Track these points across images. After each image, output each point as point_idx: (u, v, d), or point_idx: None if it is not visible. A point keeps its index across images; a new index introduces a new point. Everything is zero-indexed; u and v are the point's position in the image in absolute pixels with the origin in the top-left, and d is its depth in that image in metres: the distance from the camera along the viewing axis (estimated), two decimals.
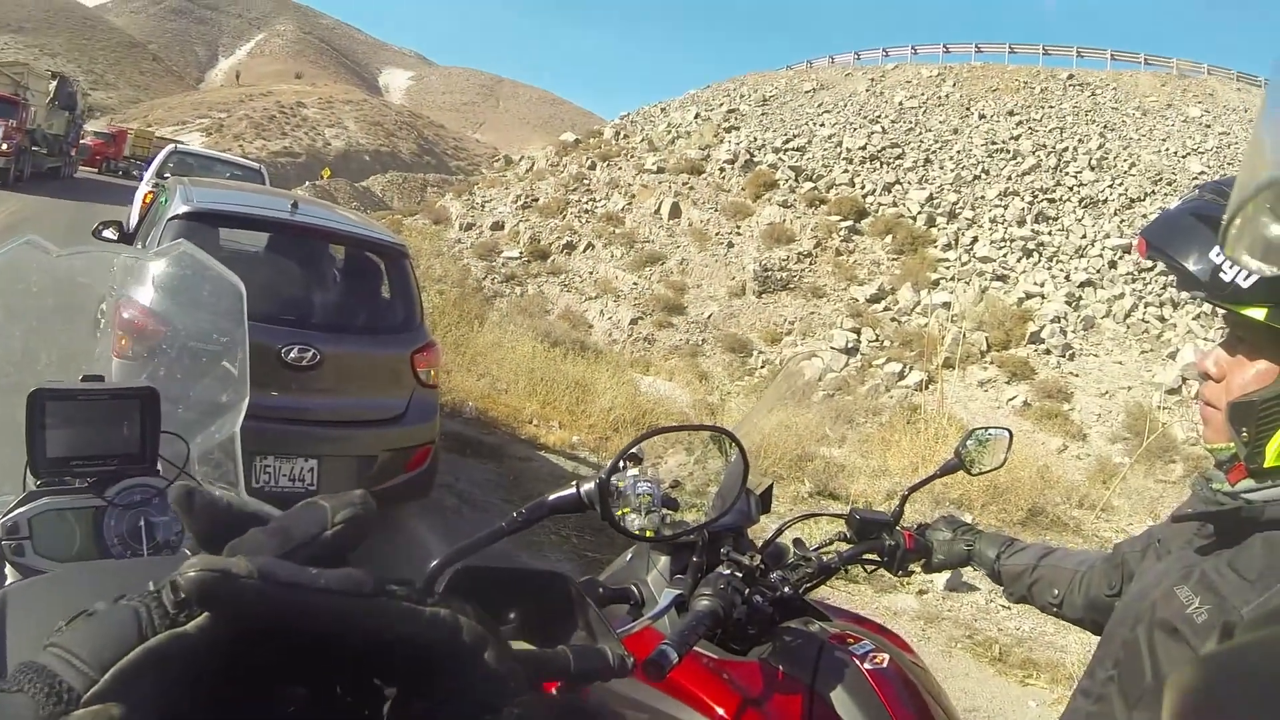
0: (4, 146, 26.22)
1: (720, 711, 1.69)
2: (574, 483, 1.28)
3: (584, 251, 22.75)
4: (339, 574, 0.68)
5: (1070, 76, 36.81)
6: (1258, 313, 1.31)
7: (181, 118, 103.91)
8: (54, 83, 36.83)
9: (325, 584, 0.66)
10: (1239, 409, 1.39)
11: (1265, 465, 1.37)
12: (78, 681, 0.60)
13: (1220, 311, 1.44)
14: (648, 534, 1.60)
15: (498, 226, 24.77)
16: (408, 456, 5.60)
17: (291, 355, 5.13)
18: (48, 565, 1.51)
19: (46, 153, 34.01)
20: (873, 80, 37.85)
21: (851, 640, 1.81)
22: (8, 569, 1.52)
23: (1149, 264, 21.59)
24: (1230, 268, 1.31)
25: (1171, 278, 1.49)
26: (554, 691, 1.20)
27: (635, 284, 20.81)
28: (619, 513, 1.50)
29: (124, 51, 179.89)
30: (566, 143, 31.72)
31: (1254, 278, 1.26)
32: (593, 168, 27.67)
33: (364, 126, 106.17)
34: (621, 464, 1.36)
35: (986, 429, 2.47)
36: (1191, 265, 1.40)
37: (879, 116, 31.97)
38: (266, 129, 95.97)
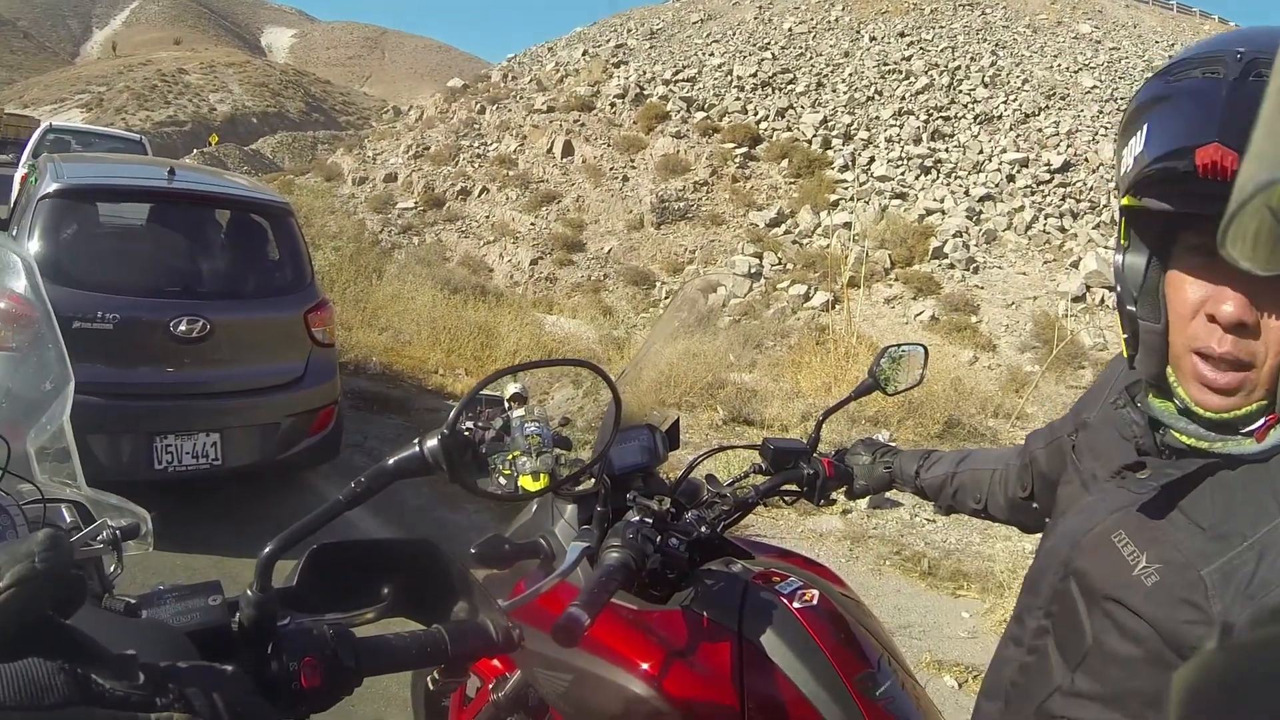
0: None
1: (644, 666, 1.62)
2: (415, 441, 1.09)
3: (479, 196, 22.67)
4: (20, 671, 0.59)
5: None
6: None
7: (59, 95, 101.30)
8: None
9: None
10: None
11: None
12: None
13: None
14: (526, 485, 1.69)
15: (390, 178, 24.74)
16: (311, 419, 5.52)
17: (181, 328, 5.00)
18: None
19: None
20: (761, 8, 38.06)
21: (777, 578, 1.76)
22: None
23: (1049, 178, 22.21)
24: None
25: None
26: (438, 674, 1.22)
27: (533, 225, 20.78)
28: (510, 455, 1.64)
29: None
30: (455, 89, 31.57)
31: None
32: (482, 112, 27.63)
33: (249, 89, 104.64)
34: (463, 416, 1.16)
35: (900, 346, 2.37)
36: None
37: (769, 43, 32.15)
38: (149, 99, 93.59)
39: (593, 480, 1.83)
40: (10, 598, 0.65)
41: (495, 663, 2.05)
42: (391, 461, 1.09)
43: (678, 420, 2.11)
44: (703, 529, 1.87)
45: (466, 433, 1.25)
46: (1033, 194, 21.45)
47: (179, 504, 4.46)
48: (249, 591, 0.92)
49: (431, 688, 2.21)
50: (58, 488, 1.71)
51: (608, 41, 35.34)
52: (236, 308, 5.53)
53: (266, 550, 0.96)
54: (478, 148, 25.07)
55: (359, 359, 9.89)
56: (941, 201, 21.05)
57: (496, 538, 1.62)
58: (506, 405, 1.52)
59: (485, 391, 1.33)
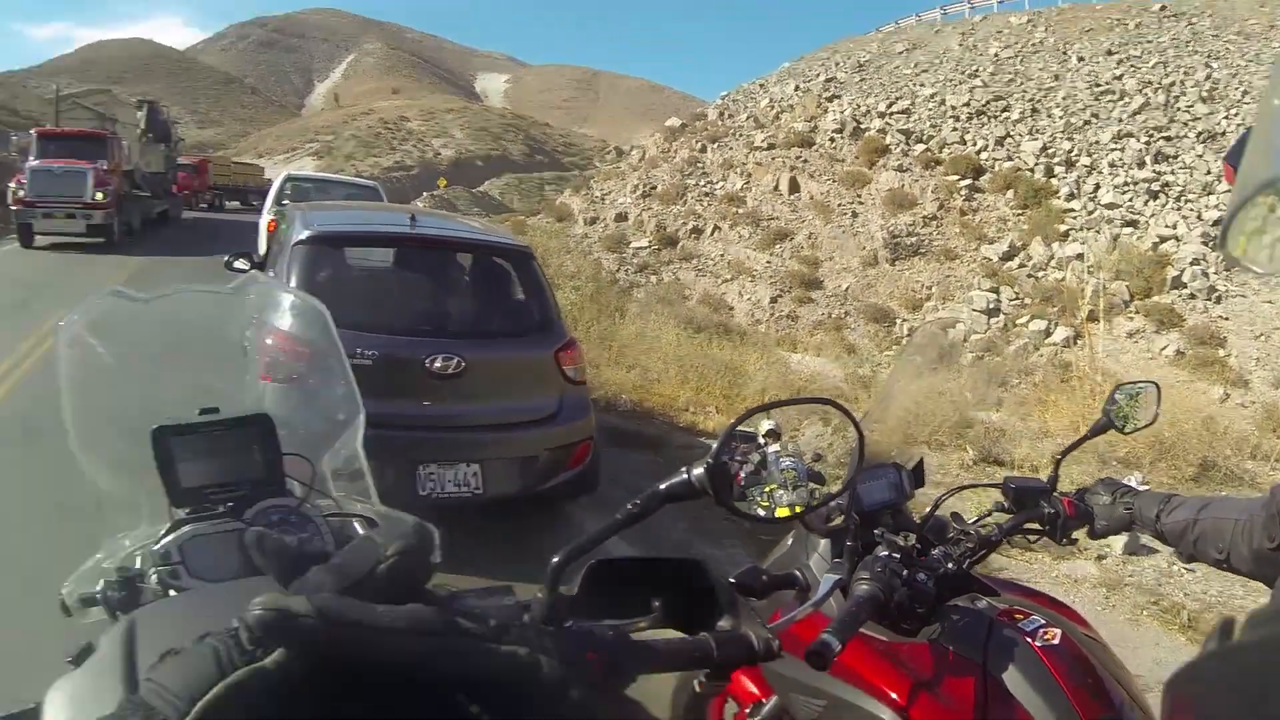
0: (99, 196, 21.08)
1: (893, 695, 1.73)
2: (683, 468, 1.21)
3: (711, 234, 22.74)
4: (405, 611, 0.73)
5: (1163, 8, 35.71)
6: None
7: (290, 145, 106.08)
8: (143, 112, 32.62)
9: (389, 622, 0.71)
10: None
11: None
12: (171, 713, 0.69)
13: None
14: (780, 512, 1.62)
15: (621, 218, 24.95)
16: (568, 454, 5.64)
17: (436, 364, 5.23)
18: (202, 587, 1.61)
19: (150, 195, 29.52)
20: (964, 34, 37.37)
21: (1020, 616, 1.82)
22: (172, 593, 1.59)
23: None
24: None
25: None
26: (703, 678, 1.30)
27: (768, 262, 20.68)
28: (767, 488, 1.57)
29: (223, 88, 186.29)
30: (674, 128, 31.62)
31: None
32: (704, 150, 27.68)
33: (471, 133, 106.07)
34: (725, 448, 1.28)
35: (1133, 384, 2.41)
36: None
37: (977, 70, 31.54)
38: (375, 146, 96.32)
39: (842, 516, 1.94)
40: (396, 563, 0.85)
41: (753, 688, 2.17)
42: (663, 486, 1.20)
43: (922, 459, 2.23)
44: (949, 565, 1.97)
45: (727, 465, 1.33)
46: (1273, 210, 20.24)
47: (442, 528, 4.85)
48: (538, 595, 0.99)
49: (697, 689, 2.27)
50: (350, 504, 1.98)
51: (817, 75, 34.81)
52: (488, 346, 5.72)
53: (556, 560, 1.05)
54: (704, 186, 25.25)
55: (609, 396, 9.95)
56: (1174, 228, 20.28)
57: (754, 569, 1.66)
58: (762, 441, 1.76)
59: (740, 428, 1.45)
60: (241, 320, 2.22)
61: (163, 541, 1.64)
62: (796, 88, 32.15)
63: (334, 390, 2.06)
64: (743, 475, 1.61)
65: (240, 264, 7.31)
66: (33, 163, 21.41)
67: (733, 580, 1.48)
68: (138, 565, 1.63)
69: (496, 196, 57.90)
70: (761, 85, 37.33)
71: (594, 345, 11.93)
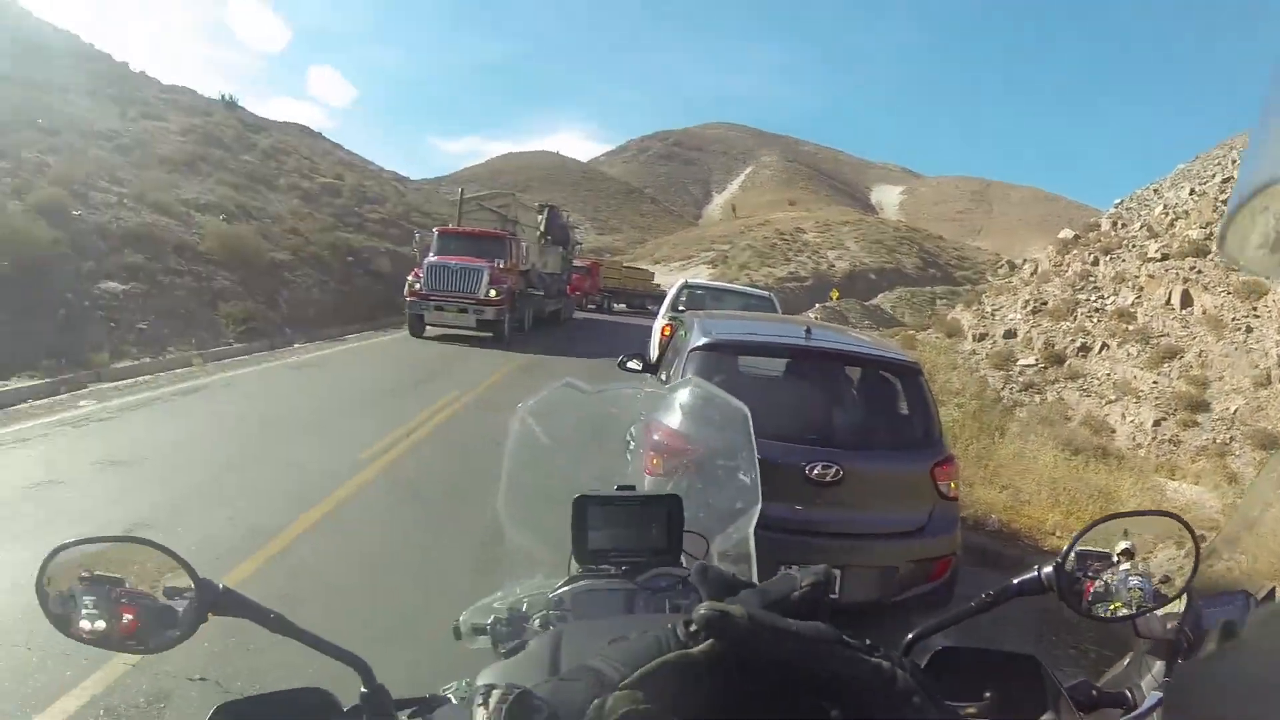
0: (492, 294, 22.41)
1: None
2: (1036, 566, 1.32)
3: (1099, 352, 22.16)
4: (808, 625, 0.87)
5: None
6: None
7: (686, 253, 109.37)
8: (543, 215, 33.82)
9: (796, 630, 0.85)
10: None
11: None
12: (615, 676, 0.86)
13: None
14: (1115, 608, 1.51)
15: (1010, 334, 24.73)
16: (929, 568, 5.63)
17: (815, 472, 5.34)
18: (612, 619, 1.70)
19: (544, 295, 31.06)
20: None
21: None
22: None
23: None
24: None
25: None
26: None
27: (1154, 382, 20.00)
28: (1112, 606, 1.48)
29: (622, 198, 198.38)
30: (1066, 240, 30.83)
31: None
32: (1096, 263, 26.90)
33: (865, 245, 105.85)
34: (1074, 548, 1.42)
35: None
36: None
37: None
38: (770, 256, 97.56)
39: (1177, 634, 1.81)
40: (806, 592, 1.00)
41: None
42: (1015, 581, 1.33)
43: (1274, 590, 2.09)
44: None
45: (1074, 572, 1.46)
46: None
47: None
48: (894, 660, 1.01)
49: None
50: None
51: (1213, 177, 31.76)
52: (868, 458, 5.72)
53: (910, 635, 1.22)
54: (1095, 301, 24.53)
55: (978, 515, 9.93)
56: None
57: (1086, 683, 1.63)
58: (1115, 559, 1.73)
59: (1095, 547, 1.50)
60: (630, 417, 2.42)
61: (559, 590, 1.79)
62: (1191, 191, 30.30)
63: (738, 480, 2.18)
64: (1091, 591, 1.51)
65: (633, 364, 7.74)
66: (431, 258, 22.85)
67: (1062, 690, 1.45)
68: (524, 609, 1.78)
69: (888, 309, 57.35)
70: (1156, 190, 35.33)
71: (970, 463, 11.90)
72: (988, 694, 1.23)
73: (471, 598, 1.98)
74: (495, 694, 0.84)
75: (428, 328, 22.73)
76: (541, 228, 32.82)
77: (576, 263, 45.34)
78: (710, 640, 0.86)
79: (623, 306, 58.84)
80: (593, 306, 51.73)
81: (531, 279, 28.51)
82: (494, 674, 1.24)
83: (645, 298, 61.56)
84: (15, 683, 4.42)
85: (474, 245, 23.87)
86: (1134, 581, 1.53)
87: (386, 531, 7.51)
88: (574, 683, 0.88)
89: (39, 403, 11.49)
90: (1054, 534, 9.97)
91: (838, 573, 4.48)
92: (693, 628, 0.89)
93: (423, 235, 25.57)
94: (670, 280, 45.28)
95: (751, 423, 2.24)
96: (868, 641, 0.94)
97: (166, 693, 4.44)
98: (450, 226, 26.42)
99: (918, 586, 5.57)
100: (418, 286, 22.21)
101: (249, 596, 1.24)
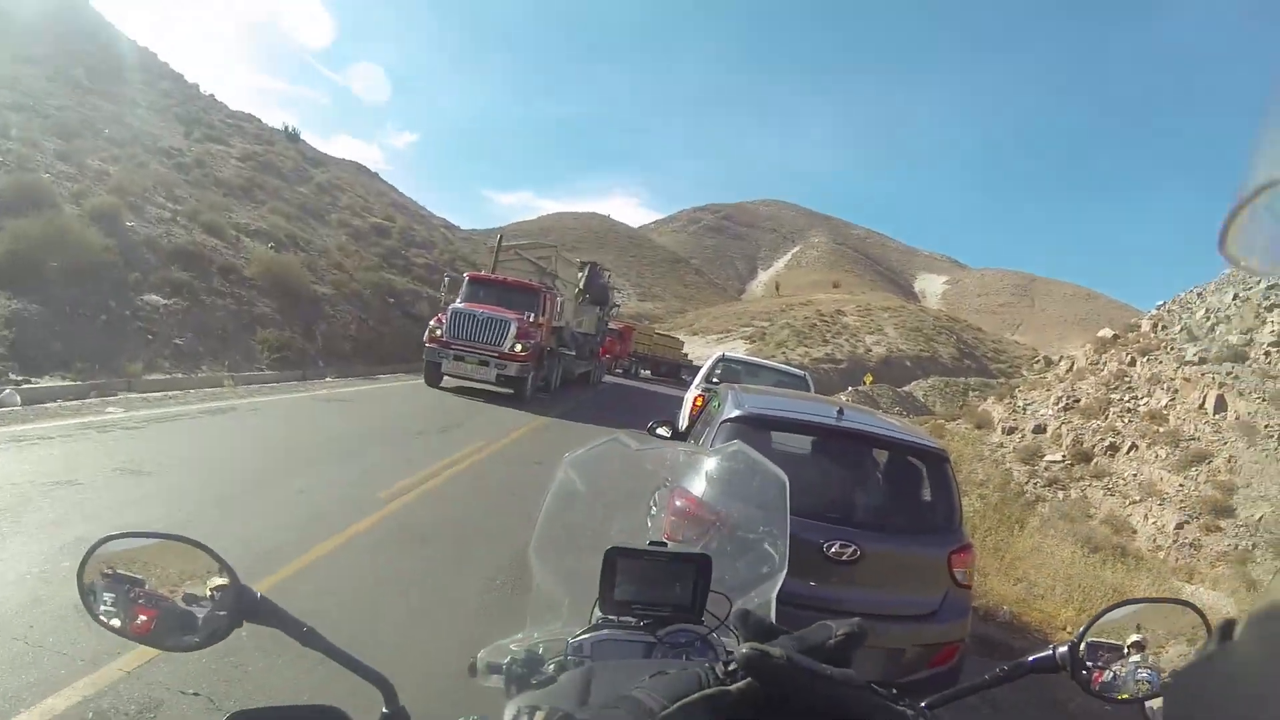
0: (517, 348, 21.09)
1: None
2: (1051, 646, 1.38)
3: (1127, 453, 21.93)
4: (840, 670, 0.89)
5: None
6: None
7: (725, 326, 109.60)
8: (584, 272, 32.76)
9: (829, 674, 0.87)
10: None
11: None
12: (654, 705, 0.88)
13: None
14: (1121, 696, 1.55)
15: (1039, 429, 24.61)
16: (934, 652, 5.62)
17: (833, 550, 5.36)
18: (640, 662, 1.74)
19: (575, 355, 29.82)
20: None
21: None
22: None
23: None
24: None
25: None
26: None
27: (1180, 485, 19.75)
28: (1119, 696, 1.51)
29: (668, 267, 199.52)
30: (1105, 339, 30.72)
31: None
32: (1132, 363, 26.72)
33: (903, 332, 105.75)
34: (1087, 634, 1.47)
35: None
36: None
37: None
38: (808, 336, 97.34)
39: None
40: (841, 641, 1.02)
41: None
42: (1030, 659, 1.40)
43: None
44: None
45: (1084, 659, 1.52)
46: None
47: None
48: None
49: None
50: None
51: (1258, 283, 32.32)
52: (886, 540, 5.73)
53: (925, 702, 1.23)
54: (1128, 401, 24.35)
55: (990, 606, 9.93)
56: None
57: None
58: (1126, 650, 1.70)
59: (1107, 639, 1.56)
60: (655, 480, 2.43)
61: (580, 637, 1.82)
62: (1235, 296, 29.88)
63: (766, 547, 2.21)
64: (1100, 681, 1.56)
65: (662, 431, 7.72)
66: (457, 304, 21.57)
67: None
68: (541, 652, 1.81)
69: (919, 397, 57.08)
70: (1199, 294, 35.28)
71: (987, 554, 11.88)
72: None
73: (475, 638, 2.02)
74: (539, 714, 0.91)
75: (445, 378, 21.71)
76: (581, 285, 32.02)
77: (612, 326, 44.30)
78: (748, 679, 0.89)
79: (647, 373, 58.61)
80: (620, 371, 51.65)
81: (564, 337, 27.64)
82: (529, 699, 1.27)
83: (675, 366, 61.15)
84: (9, 676, 4.48)
85: (505, 295, 22.80)
86: (1143, 674, 1.57)
87: (397, 567, 7.53)
88: (614, 710, 0.91)
89: (68, 404, 11.71)
90: (1065, 629, 9.91)
91: (869, 629, 4.37)
92: (731, 666, 0.92)
93: (452, 279, 24.34)
94: (706, 352, 44.91)
95: (789, 492, 2.27)
96: (894, 691, 0.97)
97: (157, 702, 4.47)
98: (482, 273, 25.41)
99: (921, 670, 5.56)
100: (439, 333, 21.09)
101: (284, 608, 1.30)
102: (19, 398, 11.11)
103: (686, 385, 20.68)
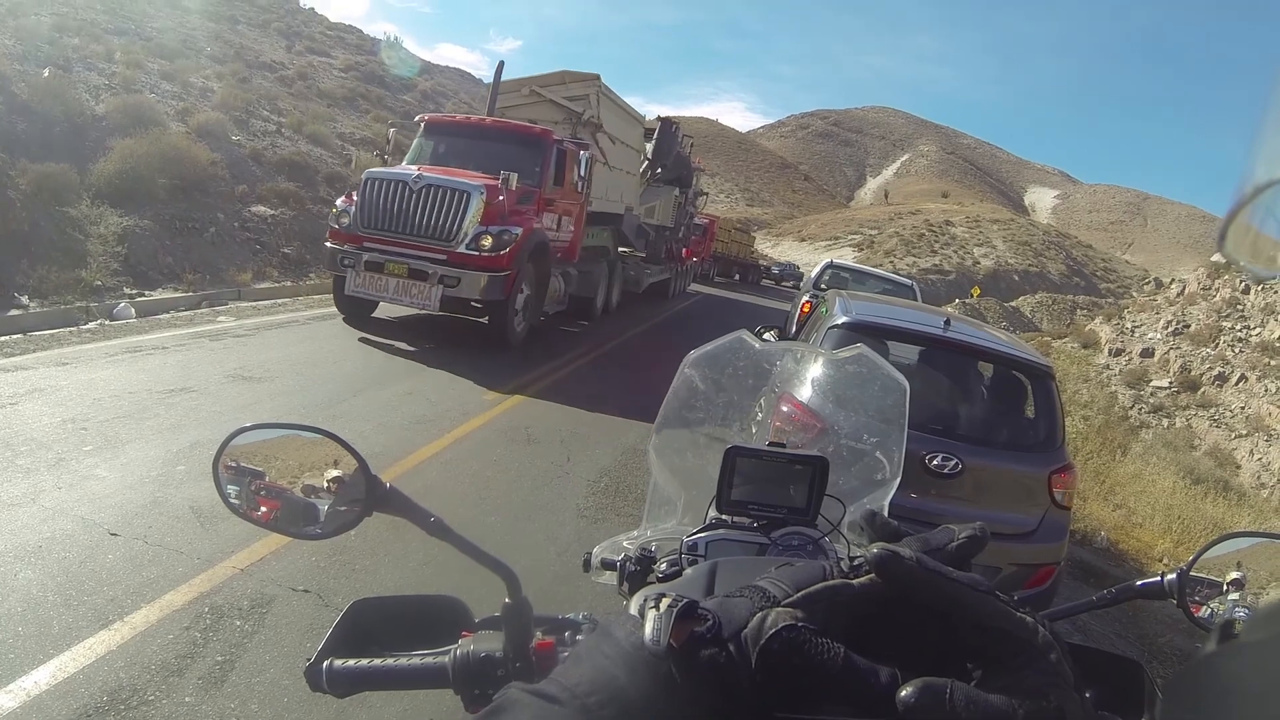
0: (484, 243, 11.74)
1: None
2: (1161, 572, 1.34)
3: (1236, 384, 21.32)
4: (965, 574, 0.89)
5: None
6: None
7: (833, 233, 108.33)
8: (653, 137, 21.44)
9: (955, 576, 0.87)
10: None
11: None
12: (779, 594, 0.89)
13: None
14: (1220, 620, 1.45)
15: (1147, 353, 24.27)
16: (1031, 573, 5.57)
17: (935, 463, 5.35)
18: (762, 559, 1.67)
19: (645, 258, 21.74)
20: None
21: None
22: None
23: None
24: None
25: None
26: None
27: None
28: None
29: (776, 172, 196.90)
30: (1218, 264, 29.04)
31: None
32: (1247, 291, 25.88)
33: (1012, 246, 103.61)
34: (1191, 567, 1.47)
35: None
36: None
37: None
38: (916, 246, 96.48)
39: None
40: (963, 544, 1.01)
41: None
42: (1139, 583, 1.37)
43: None
44: None
45: (1191, 584, 1.50)
46: None
47: None
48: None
49: None
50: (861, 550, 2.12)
51: None
52: (988, 454, 5.69)
53: (1032, 618, 1.01)
54: (1240, 330, 23.70)
55: (1088, 530, 9.83)
56: None
57: None
58: (1225, 588, 1.64)
59: (1207, 574, 1.53)
60: (769, 383, 2.34)
61: (695, 535, 1.78)
62: None
63: (880, 454, 2.18)
64: (1198, 614, 1.50)
65: (769, 335, 7.34)
66: (379, 170, 12.63)
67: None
68: (654, 550, 1.82)
69: (1027, 313, 55.98)
70: None
71: (1088, 476, 11.73)
72: (1087, 693, 1.09)
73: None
74: (665, 601, 0.89)
75: (359, 302, 12.78)
76: (649, 153, 21.36)
77: (698, 220, 32.72)
78: (870, 575, 0.90)
79: (722, 278, 49.89)
80: (697, 275, 38.11)
81: (626, 230, 19.21)
82: (655, 589, 1.22)
83: (745, 268, 55.21)
84: (129, 572, 4.76)
85: (481, 149, 13.59)
86: (1239, 613, 1.54)
87: (502, 462, 7.82)
88: (739, 598, 0.92)
89: (180, 314, 12.10)
90: (1161, 560, 9.86)
91: (989, 533, 4.46)
92: (858, 562, 0.93)
93: (397, 132, 17.14)
94: (813, 259, 42.89)
95: (908, 398, 2.19)
96: (1015, 597, 0.95)
97: (270, 598, 4.73)
98: (446, 115, 17.00)
99: (1017, 591, 5.47)
100: (345, 220, 12.21)
101: (413, 499, 1.33)
102: (134, 310, 11.49)
103: (766, 293, 18.89)
